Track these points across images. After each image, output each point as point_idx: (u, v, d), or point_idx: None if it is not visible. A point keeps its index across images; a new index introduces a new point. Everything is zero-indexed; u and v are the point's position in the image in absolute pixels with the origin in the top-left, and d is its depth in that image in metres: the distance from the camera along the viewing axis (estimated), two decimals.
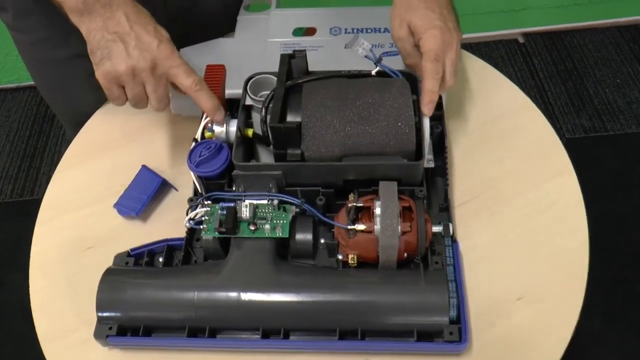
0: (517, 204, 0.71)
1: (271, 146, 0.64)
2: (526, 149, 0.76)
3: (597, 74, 1.72)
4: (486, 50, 1.81)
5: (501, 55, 1.80)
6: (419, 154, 0.63)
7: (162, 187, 0.74)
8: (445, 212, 0.68)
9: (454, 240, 0.64)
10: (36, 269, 0.70)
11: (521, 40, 1.83)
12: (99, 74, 0.62)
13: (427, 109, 0.63)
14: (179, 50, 0.65)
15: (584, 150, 1.56)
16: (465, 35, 0.69)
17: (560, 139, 0.76)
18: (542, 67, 1.76)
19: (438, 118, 0.71)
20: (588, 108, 1.65)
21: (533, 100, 0.81)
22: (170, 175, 0.75)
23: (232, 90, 0.73)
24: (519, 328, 0.61)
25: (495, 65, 0.88)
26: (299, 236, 0.64)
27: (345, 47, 0.67)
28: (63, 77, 0.86)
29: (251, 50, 0.81)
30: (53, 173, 0.78)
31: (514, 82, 0.84)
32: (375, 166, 0.62)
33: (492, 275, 0.65)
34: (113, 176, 0.75)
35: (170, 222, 0.71)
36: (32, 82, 1.05)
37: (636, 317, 1.30)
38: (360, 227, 0.60)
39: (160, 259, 0.66)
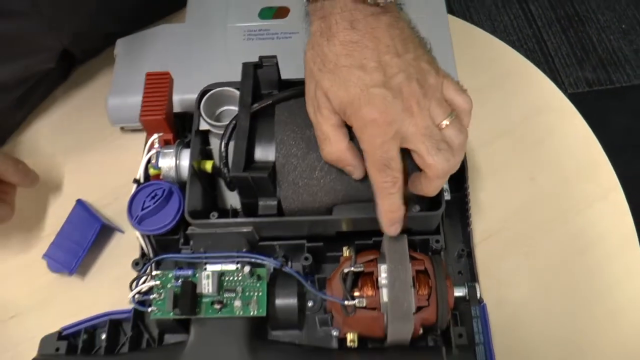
0: (558, 237, 0.56)
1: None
2: (564, 160, 0.61)
3: (600, 20, 1.57)
4: None
5: (495, 2, 1.61)
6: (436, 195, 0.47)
7: (104, 230, 0.58)
8: (465, 258, 0.53)
9: (479, 301, 0.49)
10: None
11: None
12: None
13: (391, 229, 0.43)
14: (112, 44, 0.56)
15: (588, 106, 1.41)
16: None
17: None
18: (540, 13, 1.57)
19: None
20: (592, 58, 1.52)
21: (531, 53, 0.65)
22: (114, 210, 0.60)
23: (182, 95, 0.57)
24: None
25: (489, 14, 0.70)
26: (280, 302, 0.49)
27: None
28: None
29: (206, 40, 0.64)
30: None
31: (510, 32, 0.67)
32: None
33: (532, 342, 0.51)
34: (40, 215, 0.60)
35: (115, 277, 0.56)
36: None
37: None
38: (361, 302, 0.45)
39: (103, 335, 0.51)
